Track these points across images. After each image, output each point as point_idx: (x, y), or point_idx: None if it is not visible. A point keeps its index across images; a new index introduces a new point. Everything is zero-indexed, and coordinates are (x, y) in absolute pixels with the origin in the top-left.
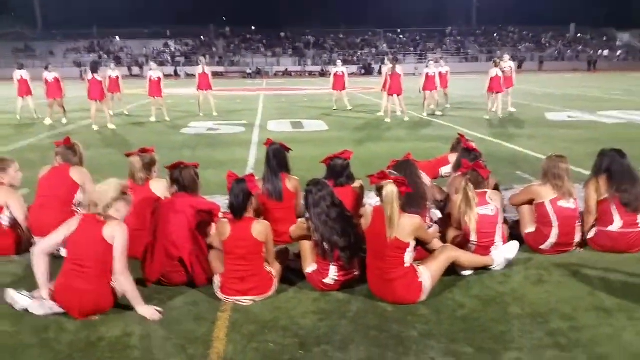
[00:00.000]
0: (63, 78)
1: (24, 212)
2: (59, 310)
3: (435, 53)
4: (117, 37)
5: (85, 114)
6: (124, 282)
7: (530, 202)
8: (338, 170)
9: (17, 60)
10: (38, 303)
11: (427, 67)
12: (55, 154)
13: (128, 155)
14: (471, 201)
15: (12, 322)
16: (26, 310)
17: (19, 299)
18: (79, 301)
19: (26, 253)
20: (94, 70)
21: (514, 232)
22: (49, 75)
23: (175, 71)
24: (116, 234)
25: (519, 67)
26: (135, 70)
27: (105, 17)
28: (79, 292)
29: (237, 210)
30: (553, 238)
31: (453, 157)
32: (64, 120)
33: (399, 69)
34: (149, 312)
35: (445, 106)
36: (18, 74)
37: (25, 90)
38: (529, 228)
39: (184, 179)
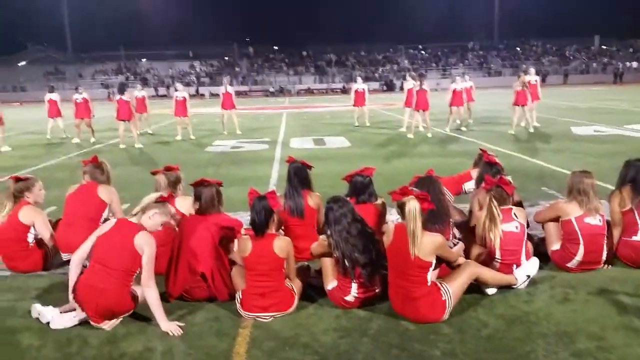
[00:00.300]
0: (92, 99)
1: (50, 231)
2: (82, 315)
3: (457, 68)
4: (144, 59)
5: (112, 133)
6: (147, 293)
7: (556, 219)
8: (359, 187)
9: (48, 83)
10: (61, 316)
11: (453, 82)
12: (82, 173)
13: (154, 174)
14: (496, 218)
15: (38, 335)
16: (49, 324)
17: (44, 312)
18: (97, 300)
19: (53, 269)
20: (122, 91)
21: (539, 249)
22: (79, 97)
23: (197, 91)
24: (145, 245)
25: (543, 80)
26: (162, 90)
27: (131, 40)
28: (99, 291)
29: (258, 227)
30: (579, 256)
31: (476, 173)
32: (92, 140)
33: (425, 84)
34: (171, 327)
35: (468, 121)
36: (48, 96)
37: (55, 111)
38: (555, 245)
39: (203, 197)
